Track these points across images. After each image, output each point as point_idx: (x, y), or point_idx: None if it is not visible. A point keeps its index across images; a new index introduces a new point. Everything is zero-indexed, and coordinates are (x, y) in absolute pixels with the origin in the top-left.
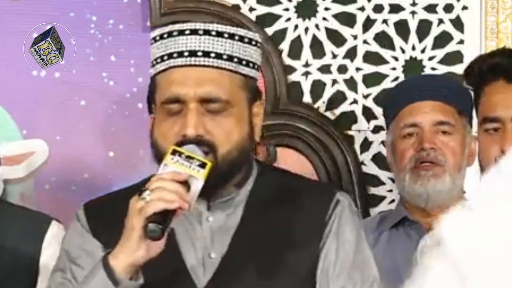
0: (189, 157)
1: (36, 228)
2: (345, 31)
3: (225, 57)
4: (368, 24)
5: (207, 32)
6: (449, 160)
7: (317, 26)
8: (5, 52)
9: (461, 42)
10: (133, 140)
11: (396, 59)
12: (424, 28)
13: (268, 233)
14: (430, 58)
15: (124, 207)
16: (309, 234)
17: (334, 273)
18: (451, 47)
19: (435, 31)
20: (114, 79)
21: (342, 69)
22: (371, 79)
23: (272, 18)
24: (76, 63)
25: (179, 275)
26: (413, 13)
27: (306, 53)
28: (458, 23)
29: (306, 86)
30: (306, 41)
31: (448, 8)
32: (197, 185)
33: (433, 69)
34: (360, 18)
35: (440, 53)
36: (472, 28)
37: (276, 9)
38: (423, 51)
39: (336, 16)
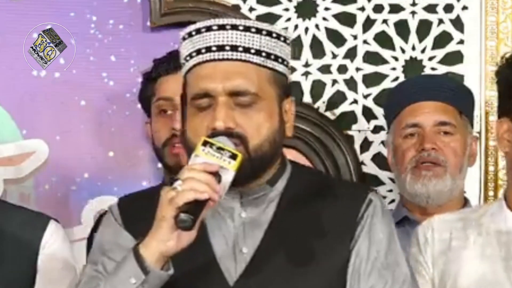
0: (220, 148)
1: (34, 228)
2: (345, 31)
3: (252, 51)
4: (368, 24)
5: (234, 27)
6: (450, 160)
7: (317, 26)
8: (5, 52)
9: (461, 42)
10: (133, 140)
11: (396, 59)
12: (424, 28)
13: (300, 229)
14: (430, 58)
15: (156, 203)
16: (341, 232)
17: (365, 272)
18: (451, 47)
19: (435, 31)
20: (114, 79)
21: (342, 69)
22: (371, 79)
23: (272, 18)
24: (76, 63)
25: (210, 270)
26: (413, 13)
27: (306, 53)
28: (458, 23)
29: (306, 86)
30: (306, 41)
31: (448, 8)
32: (228, 176)
33: (433, 69)
34: (360, 18)
35: (440, 53)
36: (472, 28)
37: (276, 9)
38: (423, 51)
39: (336, 16)
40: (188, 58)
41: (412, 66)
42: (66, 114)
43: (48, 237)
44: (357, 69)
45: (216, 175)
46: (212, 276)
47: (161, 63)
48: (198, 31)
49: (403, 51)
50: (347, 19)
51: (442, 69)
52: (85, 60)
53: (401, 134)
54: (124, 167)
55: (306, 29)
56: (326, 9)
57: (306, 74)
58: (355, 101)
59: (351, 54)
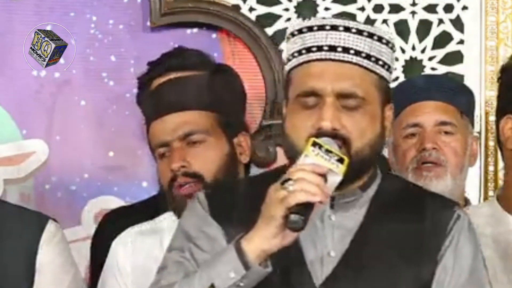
0: (328, 151)
1: (33, 228)
2: None
3: (363, 55)
4: (368, 24)
5: (347, 29)
6: (450, 160)
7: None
8: (5, 52)
9: (461, 42)
10: (133, 140)
11: (396, 59)
12: (424, 28)
13: (389, 237)
14: (430, 58)
15: (245, 195)
16: (428, 243)
17: (448, 287)
18: (451, 47)
19: (435, 31)
20: (114, 79)
21: None
22: None
23: (272, 18)
24: (76, 63)
25: (298, 270)
26: (413, 13)
27: None
28: (458, 23)
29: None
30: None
31: (448, 8)
32: (334, 179)
33: (433, 69)
34: (360, 18)
35: (440, 53)
36: (472, 28)
37: (276, 9)
38: (423, 51)
39: (336, 16)
40: (296, 54)
41: (412, 66)
42: (66, 114)
43: (46, 237)
44: None
45: (323, 177)
46: (299, 276)
47: (154, 65)
48: (310, 29)
49: (403, 51)
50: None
51: (442, 69)
52: (85, 60)
53: (402, 134)
54: (124, 167)
55: None
56: (326, 9)
57: None
58: None
59: None
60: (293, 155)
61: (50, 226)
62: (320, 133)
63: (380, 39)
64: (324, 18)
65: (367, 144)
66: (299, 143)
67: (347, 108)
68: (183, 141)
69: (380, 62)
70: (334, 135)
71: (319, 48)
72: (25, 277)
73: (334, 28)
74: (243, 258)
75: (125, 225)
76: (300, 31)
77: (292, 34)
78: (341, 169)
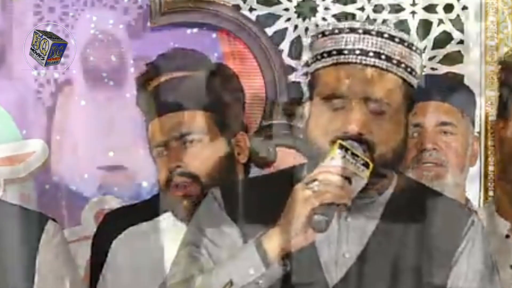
0: (354, 155)
1: (33, 228)
2: None
3: (394, 61)
4: None
5: (380, 34)
6: (451, 161)
7: (317, 26)
8: (5, 52)
9: (461, 42)
10: (133, 140)
11: None
12: (424, 28)
13: (404, 239)
14: (430, 58)
15: (260, 194)
16: (443, 248)
17: None
18: (451, 47)
19: (435, 31)
20: (114, 79)
21: None
22: None
23: (272, 18)
24: (76, 63)
25: (313, 270)
26: (413, 13)
27: (306, 53)
28: (458, 23)
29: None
30: (306, 41)
31: (448, 8)
32: (359, 183)
33: (433, 69)
34: (360, 18)
35: (440, 53)
36: (472, 28)
37: (276, 9)
38: (423, 51)
39: (336, 16)
40: (325, 55)
41: None
42: (66, 114)
43: (46, 238)
44: None
45: (348, 180)
46: (314, 277)
47: (150, 66)
48: (342, 31)
49: None
50: (347, 19)
51: (442, 69)
52: (85, 60)
53: None
54: (124, 167)
55: (306, 29)
56: (326, 9)
57: (306, 74)
58: None
59: None
60: (315, 156)
61: (50, 226)
62: (345, 137)
63: (410, 46)
64: (358, 21)
65: (390, 149)
66: (323, 145)
67: (373, 113)
68: (180, 141)
69: (409, 69)
70: (359, 139)
71: (350, 51)
72: (25, 277)
73: (366, 32)
74: (264, 255)
75: (126, 225)
76: (332, 32)
77: (323, 34)
78: (366, 173)
